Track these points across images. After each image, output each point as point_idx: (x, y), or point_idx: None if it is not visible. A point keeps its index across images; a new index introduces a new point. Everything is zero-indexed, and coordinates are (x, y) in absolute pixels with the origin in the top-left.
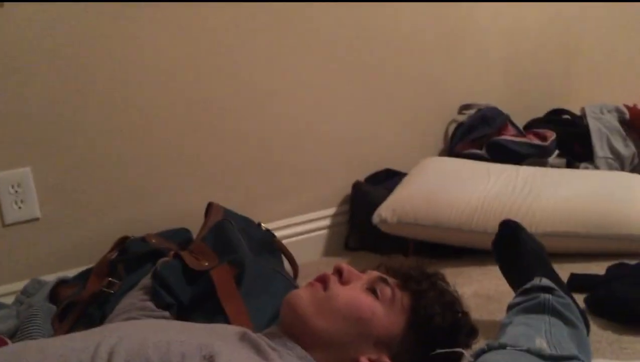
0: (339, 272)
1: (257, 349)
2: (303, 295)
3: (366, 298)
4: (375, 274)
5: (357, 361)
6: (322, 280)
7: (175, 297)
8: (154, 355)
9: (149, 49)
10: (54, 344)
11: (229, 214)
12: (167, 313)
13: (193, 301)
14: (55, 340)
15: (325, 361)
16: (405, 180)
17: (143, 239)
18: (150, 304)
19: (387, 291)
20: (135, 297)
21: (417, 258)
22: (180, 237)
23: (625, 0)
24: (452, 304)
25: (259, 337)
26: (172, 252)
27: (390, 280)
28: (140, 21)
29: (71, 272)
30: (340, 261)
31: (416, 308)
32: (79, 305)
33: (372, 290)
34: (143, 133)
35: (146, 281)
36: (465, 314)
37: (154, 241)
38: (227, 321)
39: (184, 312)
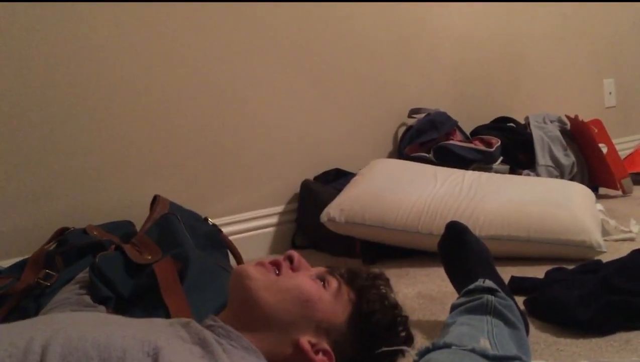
0: (289, 258)
1: (203, 342)
2: (254, 269)
3: (315, 283)
4: (323, 268)
5: (297, 342)
6: (275, 263)
7: (114, 290)
8: (92, 350)
9: (93, 36)
10: None
11: (175, 208)
12: (102, 307)
13: (134, 295)
14: None
15: (266, 342)
16: (354, 180)
17: (84, 231)
18: (86, 299)
19: (334, 282)
20: (71, 292)
21: (364, 262)
22: (124, 230)
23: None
24: (394, 305)
25: (203, 330)
26: (113, 246)
27: (337, 275)
28: (88, 11)
29: (5, 263)
30: (291, 250)
31: (359, 302)
32: (12, 297)
33: (320, 279)
34: (88, 121)
35: (83, 274)
36: (405, 318)
37: (95, 233)
38: (168, 315)
39: (123, 306)
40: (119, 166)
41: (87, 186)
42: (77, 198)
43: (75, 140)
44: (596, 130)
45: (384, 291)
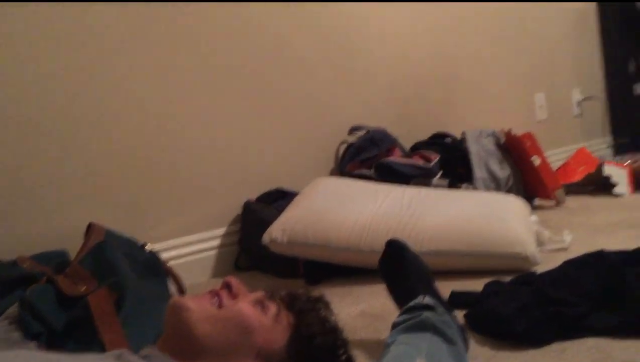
0: (227, 286)
1: None
2: (191, 301)
3: (254, 309)
4: (261, 292)
5: None
6: (214, 293)
7: (46, 324)
8: None
9: (27, 55)
10: None
11: (110, 235)
12: (33, 344)
13: (67, 328)
14: None
15: None
16: (295, 200)
17: (14, 263)
18: (15, 335)
19: (273, 307)
20: None
21: (307, 282)
22: (57, 260)
23: None
24: (334, 329)
25: (137, 361)
26: (45, 277)
27: (277, 299)
28: (21, 26)
29: None
30: (229, 276)
31: (299, 326)
32: None
33: (259, 304)
34: (16, 144)
35: (12, 309)
36: (346, 340)
37: (26, 264)
38: (103, 348)
39: (56, 340)
40: (50, 192)
41: (17, 214)
42: (6, 227)
43: (1, 166)
44: (529, 143)
45: (323, 314)
